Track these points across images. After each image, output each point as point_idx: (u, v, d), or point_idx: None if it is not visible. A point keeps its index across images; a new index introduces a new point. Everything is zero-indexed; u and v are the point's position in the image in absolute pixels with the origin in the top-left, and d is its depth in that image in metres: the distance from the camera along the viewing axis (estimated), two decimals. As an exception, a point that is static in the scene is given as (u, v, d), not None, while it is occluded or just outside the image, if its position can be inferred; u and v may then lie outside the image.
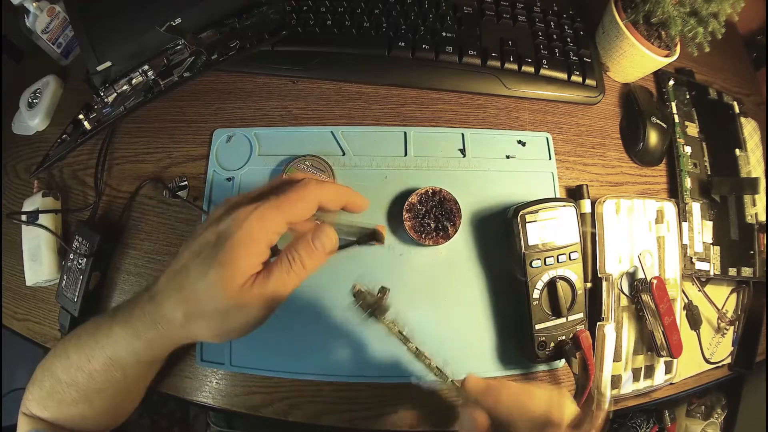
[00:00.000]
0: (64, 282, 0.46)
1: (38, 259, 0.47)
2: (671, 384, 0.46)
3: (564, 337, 0.41)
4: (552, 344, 0.41)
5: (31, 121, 0.55)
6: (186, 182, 0.49)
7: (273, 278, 0.28)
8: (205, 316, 0.28)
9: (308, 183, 0.29)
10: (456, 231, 0.44)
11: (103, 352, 0.32)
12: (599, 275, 0.44)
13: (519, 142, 0.50)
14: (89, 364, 0.32)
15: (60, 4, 0.55)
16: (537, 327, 0.41)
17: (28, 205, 0.49)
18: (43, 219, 0.48)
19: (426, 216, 0.44)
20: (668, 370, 0.45)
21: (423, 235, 0.44)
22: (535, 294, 0.41)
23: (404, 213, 0.44)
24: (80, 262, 0.45)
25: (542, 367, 0.44)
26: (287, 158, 0.48)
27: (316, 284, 0.45)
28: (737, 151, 0.53)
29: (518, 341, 0.44)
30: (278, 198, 0.27)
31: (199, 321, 0.28)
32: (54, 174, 0.53)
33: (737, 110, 0.55)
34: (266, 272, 0.28)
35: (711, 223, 0.49)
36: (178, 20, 0.49)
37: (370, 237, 0.40)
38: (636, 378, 0.44)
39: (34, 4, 0.54)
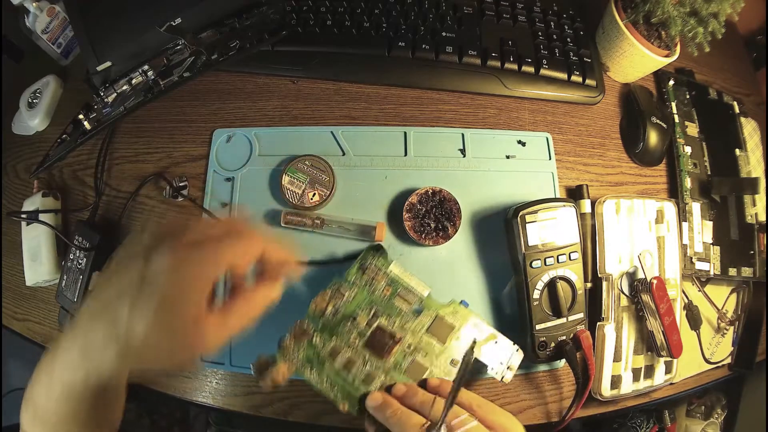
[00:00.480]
0: (64, 282, 0.46)
1: (38, 259, 0.47)
2: (671, 384, 0.46)
3: (564, 337, 0.41)
4: (552, 344, 0.41)
5: (31, 121, 0.55)
6: (186, 182, 0.49)
7: (225, 325, 0.26)
8: (147, 357, 0.25)
9: (253, 230, 0.27)
10: (456, 231, 0.44)
11: (58, 384, 0.27)
12: (599, 275, 0.44)
13: (519, 142, 0.50)
14: (51, 392, 0.28)
15: (60, 4, 0.55)
16: (537, 327, 0.41)
17: (28, 205, 0.49)
18: (43, 219, 0.48)
19: (426, 216, 0.44)
20: (668, 370, 0.45)
21: (423, 235, 0.44)
22: (535, 294, 0.41)
23: (404, 213, 0.44)
24: (80, 261, 0.45)
25: (542, 367, 0.44)
26: (287, 158, 0.48)
27: (317, 285, 0.45)
28: (737, 151, 0.53)
29: (518, 341, 0.44)
30: (219, 239, 0.25)
31: (140, 360, 0.25)
32: (54, 174, 0.53)
33: (737, 110, 0.55)
34: (218, 318, 0.26)
35: (711, 223, 0.49)
36: (178, 20, 0.49)
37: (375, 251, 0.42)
38: (636, 378, 0.44)
39: (34, 4, 0.54)
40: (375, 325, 0.38)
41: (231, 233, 0.26)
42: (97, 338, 0.24)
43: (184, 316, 0.24)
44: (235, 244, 0.26)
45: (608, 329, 0.43)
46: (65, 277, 0.46)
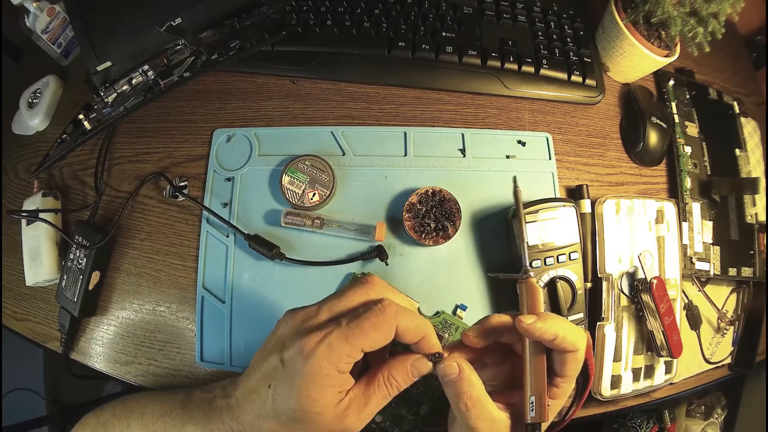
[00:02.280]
0: (64, 282, 0.46)
1: (38, 259, 0.47)
2: (671, 384, 0.46)
3: (564, 337, 0.41)
4: (552, 344, 0.41)
5: (31, 121, 0.55)
6: (186, 182, 0.49)
7: (370, 405, 0.27)
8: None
9: (385, 309, 0.25)
10: (456, 231, 0.44)
11: None
12: (599, 275, 0.44)
13: (519, 142, 0.50)
14: None
15: (60, 4, 0.55)
16: (537, 327, 0.41)
17: (28, 205, 0.49)
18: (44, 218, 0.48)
19: (426, 216, 0.44)
20: (668, 370, 0.45)
21: (423, 235, 0.44)
22: (535, 294, 0.41)
23: (404, 213, 0.44)
24: (80, 261, 0.45)
25: (542, 367, 0.44)
26: (287, 158, 0.48)
27: (317, 284, 0.45)
28: (737, 151, 0.53)
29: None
30: (349, 327, 0.25)
31: None
32: (54, 174, 0.53)
33: (737, 110, 0.55)
34: (362, 398, 0.26)
35: (711, 223, 0.49)
36: (178, 20, 0.49)
37: (376, 254, 0.44)
38: (636, 378, 0.44)
39: (34, 4, 0.54)
40: None
41: (363, 313, 0.25)
42: (248, 419, 0.27)
43: (321, 403, 0.25)
44: (366, 324, 0.25)
45: (608, 329, 0.43)
46: (65, 277, 0.46)
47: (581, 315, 0.42)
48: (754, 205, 0.51)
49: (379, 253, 0.44)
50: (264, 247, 0.44)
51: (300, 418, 0.25)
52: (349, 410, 0.26)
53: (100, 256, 0.46)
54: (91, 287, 0.45)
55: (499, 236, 0.46)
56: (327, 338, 0.25)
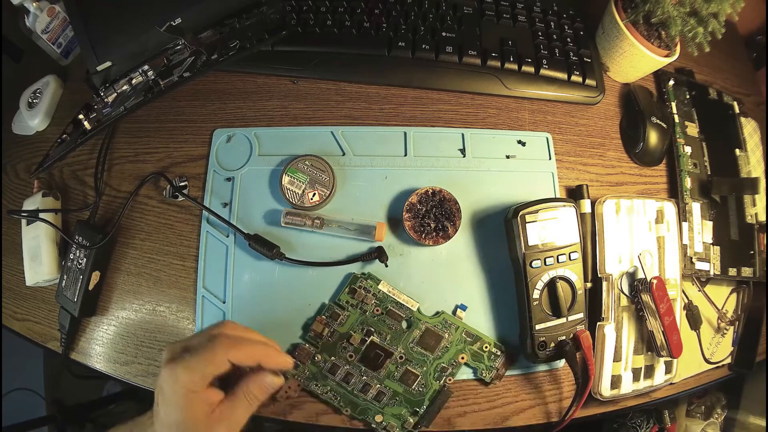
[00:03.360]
0: (64, 282, 0.46)
1: (38, 259, 0.47)
2: (671, 384, 0.46)
3: (564, 337, 0.41)
4: (552, 344, 0.41)
5: (31, 121, 0.55)
6: (186, 182, 0.49)
7: (236, 415, 0.31)
8: None
9: (215, 344, 0.30)
10: (456, 231, 0.44)
11: None
12: (599, 275, 0.44)
13: (519, 142, 0.50)
14: None
15: (60, 4, 0.55)
16: (537, 327, 0.41)
17: (29, 205, 0.49)
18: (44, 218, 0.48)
19: (426, 216, 0.44)
20: (668, 370, 0.45)
21: (423, 235, 0.44)
22: (535, 294, 0.41)
23: (404, 213, 0.44)
24: (80, 261, 0.45)
25: (542, 367, 0.44)
26: (287, 158, 0.48)
27: (317, 284, 0.45)
28: (737, 151, 0.53)
29: (518, 341, 0.44)
30: (190, 358, 0.30)
31: None
32: (54, 174, 0.53)
33: (737, 110, 0.55)
34: (229, 410, 0.31)
35: (711, 223, 0.49)
36: (178, 20, 0.49)
37: (376, 255, 0.44)
38: (636, 378, 0.44)
39: (34, 4, 0.54)
40: (368, 342, 0.42)
41: (201, 347, 0.30)
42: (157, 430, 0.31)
43: (192, 415, 0.29)
44: (202, 356, 0.30)
45: (608, 329, 0.43)
46: (65, 277, 0.46)
47: (581, 315, 0.42)
48: (754, 205, 0.51)
49: (379, 254, 0.44)
50: (264, 247, 0.44)
51: (182, 428, 0.30)
52: (220, 421, 0.30)
53: (100, 256, 0.46)
54: (91, 287, 0.45)
55: (499, 236, 0.46)
56: (177, 368, 0.29)
